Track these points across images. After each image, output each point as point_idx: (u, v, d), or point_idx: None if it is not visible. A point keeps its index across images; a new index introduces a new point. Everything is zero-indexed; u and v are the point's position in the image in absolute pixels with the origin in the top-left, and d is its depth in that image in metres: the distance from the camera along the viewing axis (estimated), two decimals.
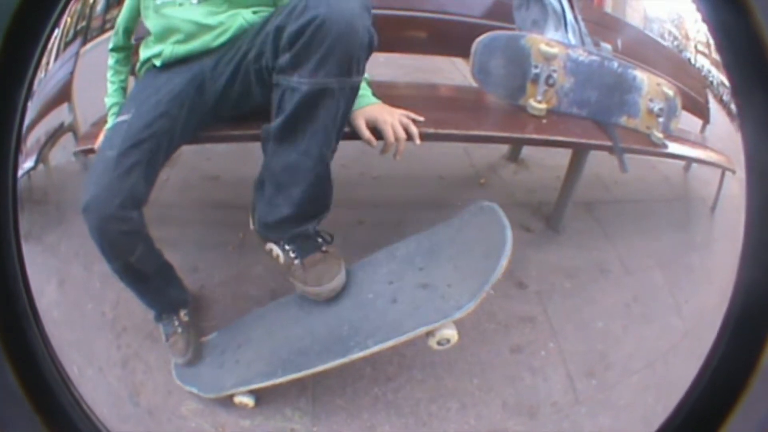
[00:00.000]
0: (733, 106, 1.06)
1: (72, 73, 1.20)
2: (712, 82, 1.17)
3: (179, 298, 1.27)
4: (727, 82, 1.06)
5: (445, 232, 1.19)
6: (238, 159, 1.27)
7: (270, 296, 1.26)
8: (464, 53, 1.21)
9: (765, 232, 0.94)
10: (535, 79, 1.21)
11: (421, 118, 1.15)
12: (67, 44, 1.19)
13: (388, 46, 1.19)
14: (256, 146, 1.17)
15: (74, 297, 1.26)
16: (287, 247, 1.20)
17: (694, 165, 1.32)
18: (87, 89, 1.25)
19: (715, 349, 0.97)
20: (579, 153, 1.23)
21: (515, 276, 1.23)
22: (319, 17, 1.05)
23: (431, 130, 1.14)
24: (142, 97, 1.22)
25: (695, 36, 1.20)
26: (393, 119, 1.14)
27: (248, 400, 1.24)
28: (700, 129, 1.29)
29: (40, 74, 1.06)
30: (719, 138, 1.21)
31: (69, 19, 1.19)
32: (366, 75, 1.18)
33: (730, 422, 0.88)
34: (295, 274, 1.20)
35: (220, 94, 1.20)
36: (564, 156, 1.23)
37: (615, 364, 1.27)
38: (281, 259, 1.21)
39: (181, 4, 1.18)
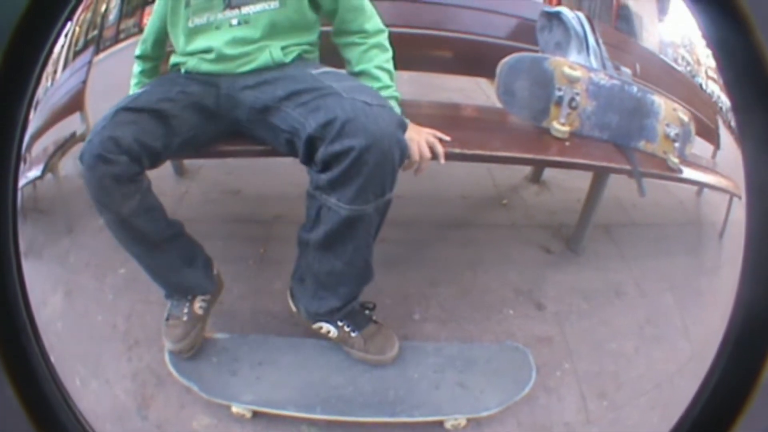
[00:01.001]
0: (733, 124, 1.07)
1: (84, 82, 1.19)
2: (721, 108, 1.19)
3: (197, 285, 1.25)
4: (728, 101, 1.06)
5: (483, 351, 1.27)
6: (259, 173, 1.27)
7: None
8: (488, 74, 1.22)
9: (764, 250, 0.94)
10: (559, 102, 1.22)
11: (448, 138, 1.16)
12: (77, 53, 1.18)
13: (414, 65, 1.19)
14: (277, 162, 1.17)
15: (82, 308, 1.25)
16: (340, 324, 1.24)
17: (706, 189, 1.33)
18: (101, 99, 1.23)
19: (715, 365, 0.97)
20: (600, 176, 1.24)
21: (534, 297, 1.24)
22: (356, 149, 1.04)
23: (457, 150, 1.15)
24: (158, 83, 1.24)
25: (705, 62, 1.21)
26: (420, 138, 1.15)
27: (246, 412, 1.23)
28: (711, 154, 1.30)
29: (45, 84, 1.04)
30: (728, 164, 1.22)
31: (78, 28, 1.18)
32: (396, 93, 1.19)
33: None
34: (355, 345, 1.24)
35: (228, 118, 1.21)
36: (584, 178, 1.24)
37: (626, 384, 1.29)
38: (333, 334, 1.25)
39: (217, 28, 1.18)
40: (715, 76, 1.18)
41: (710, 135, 1.27)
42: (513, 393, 1.22)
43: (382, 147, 1.05)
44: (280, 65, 1.19)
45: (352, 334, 1.23)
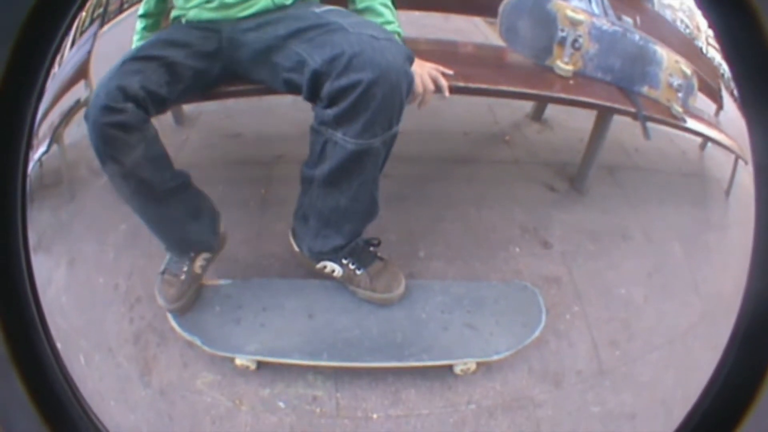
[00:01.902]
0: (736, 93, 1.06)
1: (89, 52, 1.19)
2: (723, 75, 1.19)
3: (201, 240, 1.23)
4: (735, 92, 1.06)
5: (491, 290, 1.26)
6: (259, 115, 1.25)
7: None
8: (486, 12, 1.22)
9: None
10: (562, 42, 1.22)
11: (451, 72, 1.15)
12: (83, 32, 1.18)
13: (414, 4, 1.19)
14: (278, 102, 1.16)
15: (85, 275, 1.22)
16: (344, 262, 1.22)
17: (710, 145, 1.33)
18: (105, 66, 1.23)
19: (725, 357, 0.94)
20: (604, 116, 1.23)
21: (540, 235, 1.22)
22: (364, 82, 1.04)
23: (461, 84, 1.14)
24: (161, 35, 1.23)
25: (706, 30, 1.21)
26: (423, 71, 1.15)
27: (251, 363, 1.21)
28: (714, 113, 1.30)
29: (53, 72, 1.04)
30: (732, 126, 1.21)
31: (85, 13, 1.18)
32: (399, 29, 1.19)
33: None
34: (361, 283, 1.23)
35: (229, 61, 1.20)
36: (586, 119, 1.24)
37: (637, 335, 1.26)
38: (338, 272, 1.23)
39: None
40: (716, 45, 1.19)
41: (713, 94, 1.26)
42: (523, 336, 1.21)
43: (390, 80, 1.04)
44: (281, 7, 1.19)
45: (358, 272, 1.22)
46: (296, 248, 1.22)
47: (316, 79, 1.07)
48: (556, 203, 1.24)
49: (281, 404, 1.19)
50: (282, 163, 1.20)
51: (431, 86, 1.14)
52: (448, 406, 1.19)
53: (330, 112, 1.07)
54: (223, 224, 1.23)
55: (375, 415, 1.18)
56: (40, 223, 1.07)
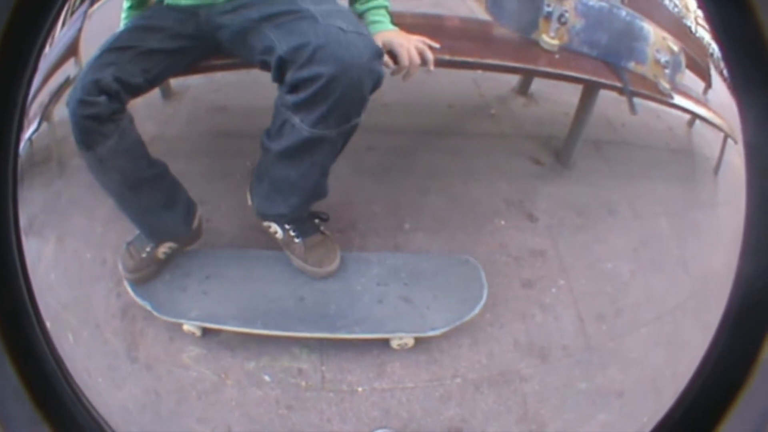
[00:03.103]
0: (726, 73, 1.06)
1: (79, 29, 1.19)
2: (712, 54, 1.19)
3: (171, 229, 1.25)
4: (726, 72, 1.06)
5: (431, 263, 1.26)
6: (246, 89, 1.26)
7: None
8: None
9: (764, 228, 0.93)
10: (548, 17, 1.22)
11: (437, 45, 1.15)
12: (73, 12, 1.19)
13: None
14: (265, 77, 1.15)
15: (74, 250, 1.22)
16: (287, 227, 1.24)
17: (697, 123, 1.33)
18: (95, 44, 1.23)
19: (715, 343, 0.95)
20: (590, 90, 1.23)
21: (526, 208, 1.22)
22: (324, 76, 1.05)
23: (446, 57, 1.14)
24: (140, 18, 1.24)
25: (695, 9, 1.22)
26: (409, 44, 1.15)
27: (196, 330, 1.23)
28: (702, 91, 1.30)
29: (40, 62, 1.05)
30: (721, 104, 1.21)
31: None
32: (386, 2, 1.20)
33: (730, 417, 0.86)
34: (295, 251, 1.24)
35: (209, 41, 1.21)
36: (572, 93, 1.24)
37: (624, 311, 1.26)
38: (279, 235, 1.24)
39: None
40: (705, 25, 1.19)
41: (701, 73, 1.26)
42: (462, 312, 1.21)
43: (351, 76, 1.05)
44: None
45: (296, 240, 1.24)
46: (249, 202, 1.24)
47: (281, 65, 1.09)
48: (541, 176, 1.24)
49: (267, 378, 1.19)
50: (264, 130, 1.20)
51: (417, 59, 1.15)
52: (433, 379, 1.19)
53: (290, 98, 1.09)
54: (199, 217, 1.25)
55: (360, 389, 1.18)
56: (32, 201, 1.07)
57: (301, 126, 1.10)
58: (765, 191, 0.94)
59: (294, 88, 1.08)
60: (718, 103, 1.22)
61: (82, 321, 1.19)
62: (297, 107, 1.09)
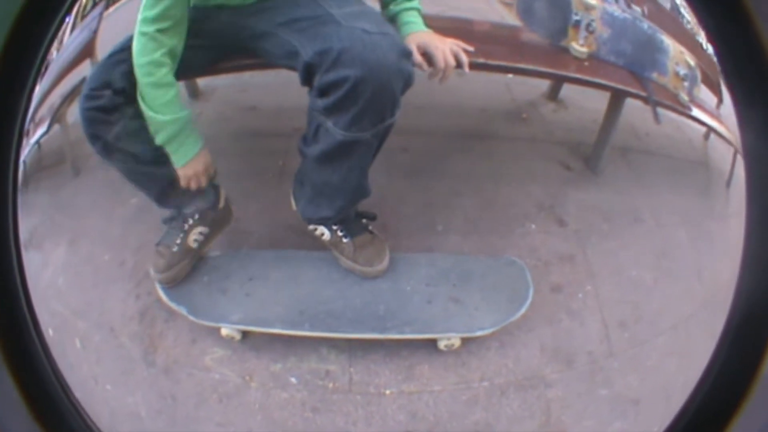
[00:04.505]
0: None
1: (95, 31, 1.18)
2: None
3: (194, 199, 1.22)
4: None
5: (479, 265, 1.26)
6: (275, 89, 1.25)
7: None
8: None
9: (764, 240, 0.94)
10: (576, 25, 1.24)
11: (471, 48, 1.16)
12: (84, 16, 1.18)
13: None
14: (293, 76, 1.15)
15: (88, 253, 1.21)
16: (334, 227, 1.24)
17: (712, 136, 1.35)
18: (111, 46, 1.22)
19: (716, 356, 0.95)
20: (617, 98, 1.25)
21: (556, 213, 1.23)
22: (351, 80, 1.05)
23: (481, 60, 1.15)
24: None
25: None
26: (444, 46, 1.16)
27: (236, 334, 1.21)
28: (715, 106, 1.33)
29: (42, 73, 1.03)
30: (731, 119, 1.24)
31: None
32: (418, 6, 1.20)
33: (733, 428, 0.87)
34: (344, 252, 1.24)
35: (229, 43, 1.21)
36: (600, 100, 1.25)
37: (644, 318, 1.27)
38: (327, 236, 1.24)
39: None
40: None
41: (713, 88, 1.29)
42: (509, 312, 1.21)
43: (380, 77, 1.05)
44: None
45: (344, 240, 1.23)
46: (294, 207, 1.24)
47: (308, 70, 1.09)
48: (571, 181, 1.25)
49: (293, 380, 1.17)
50: (299, 136, 1.19)
51: (452, 61, 1.15)
52: (461, 382, 1.18)
53: (320, 102, 1.09)
54: (225, 197, 1.23)
55: (388, 391, 1.17)
56: (39, 206, 1.05)
57: (334, 130, 1.10)
58: (764, 204, 0.94)
59: (323, 92, 1.08)
60: (729, 117, 1.24)
61: (94, 325, 1.17)
62: (328, 111, 1.09)
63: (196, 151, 1.17)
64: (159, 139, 1.15)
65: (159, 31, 1.12)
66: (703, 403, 0.93)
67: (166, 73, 1.13)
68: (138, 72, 1.13)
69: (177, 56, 1.15)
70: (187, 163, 1.17)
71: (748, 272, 0.92)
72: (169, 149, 1.16)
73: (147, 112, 1.14)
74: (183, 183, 1.18)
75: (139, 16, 1.13)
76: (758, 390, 0.84)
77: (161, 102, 1.14)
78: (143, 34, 1.12)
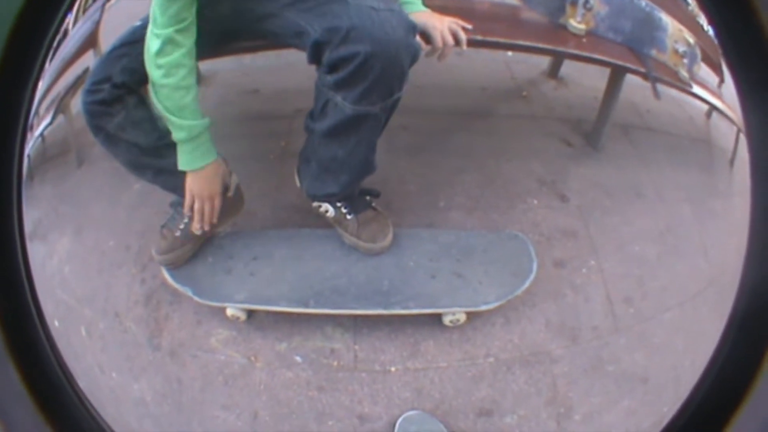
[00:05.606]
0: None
1: (98, 22, 1.19)
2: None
3: None
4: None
5: (481, 239, 1.26)
6: (277, 72, 1.26)
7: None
8: None
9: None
10: (574, 2, 1.24)
11: (470, 26, 1.17)
12: (86, 10, 1.19)
13: None
14: (295, 59, 1.16)
15: (93, 240, 1.22)
16: (338, 205, 1.25)
17: (714, 115, 1.35)
18: (114, 36, 1.23)
19: (719, 350, 0.93)
20: (617, 74, 1.25)
21: (558, 188, 1.23)
22: (361, 55, 1.06)
23: (479, 37, 1.16)
24: None
25: None
26: (442, 26, 1.16)
27: (242, 314, 1.21)
28: (717, 85, 1.33)
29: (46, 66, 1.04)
30: (734, 99, 1.24)
31: None
32: None
33: (736, 421, 0.86)
34: (348, 228, 1.25)
35: (233, 26, 1.21)
36: (600, 78, 1.26)
37: (650, 294, 1.26)
38: (331, 213, 1.25)
39: None
40: None
41: (714, 67, 1.29)
42: (513, 286, 1.21)
43: (389, 52, 1.06)
44: None
45: (348, 217, 1.24)
46: (299, 184, 1.24)
47: (317, 47, 1.09)
48: (572, 158, 1.25)
49: (298, 358, 1.17)
50: (302, 117, 1.20)
51: (450, 40, 1.16)
52: (466, 358, 1.18)
53: (330, 78, 1.09)
54: (236, 184, 1.23)
55: (393, 368, 1.17)
56: (43, 198, 1.06)
57: (344, 104, 1.10)
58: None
59: (333, 67, 1.09)
60: (731, 97, 1.24)
61: (100, 312, 1.17)
62: (338, 86, 1.09)
63: (208, 161, 1.18)
64: (175, 137, 1.16)
65: (177, 31, 1.12)
66: (705, 397, 0.92)
67: (185, 75, 1.13)
68: (155, 74, 1.12)
69: (194, 56, 1.14)
70: (195, 171, 1.18)
71: (751, 265, 0.91)
72: (180, 149, 1.17)
73: (163, 113, 1.14)
74: (188, 202, 1.20)
75: (154, 17, 1.12)
76: (763, 381, 0.83)
77: (179, 105, 1.14)
78: (159, 35, 1.11)
